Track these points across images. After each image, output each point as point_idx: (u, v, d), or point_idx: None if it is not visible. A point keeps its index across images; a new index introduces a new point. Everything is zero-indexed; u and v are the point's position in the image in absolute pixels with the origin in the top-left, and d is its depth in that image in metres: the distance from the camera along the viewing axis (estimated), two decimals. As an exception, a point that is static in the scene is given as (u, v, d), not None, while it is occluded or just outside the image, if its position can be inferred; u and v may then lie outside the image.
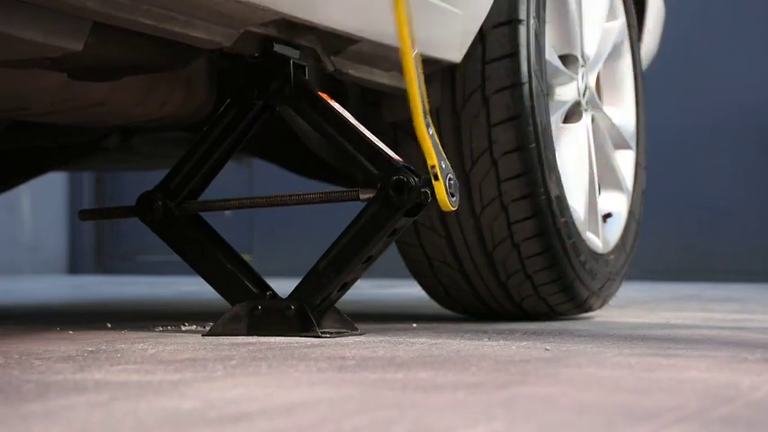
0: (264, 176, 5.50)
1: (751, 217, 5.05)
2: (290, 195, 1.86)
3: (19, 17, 1.51)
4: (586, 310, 2.43)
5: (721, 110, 5.11)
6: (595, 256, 2.36)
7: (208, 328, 1.89)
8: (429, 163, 1.74)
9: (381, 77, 2.09)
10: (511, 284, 2.28)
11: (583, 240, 2.29)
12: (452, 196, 1.76)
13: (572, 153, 2.34)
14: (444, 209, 1.76)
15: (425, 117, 1.74)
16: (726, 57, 5.12)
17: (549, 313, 2.38)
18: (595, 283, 2.36)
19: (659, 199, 4.88)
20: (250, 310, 1.82)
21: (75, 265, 6.45)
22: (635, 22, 2.70)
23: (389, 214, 1.77)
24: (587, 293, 2.34)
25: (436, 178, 1.74)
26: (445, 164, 1.76)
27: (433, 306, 2.81)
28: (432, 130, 1.75)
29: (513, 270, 2.25)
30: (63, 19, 1.56)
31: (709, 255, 5.10)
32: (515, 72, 2.15)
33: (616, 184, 2.56)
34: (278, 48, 1.84)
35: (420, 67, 1.74)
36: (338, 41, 1.91)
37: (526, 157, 2.15)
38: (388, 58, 2.04)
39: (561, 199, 2.21)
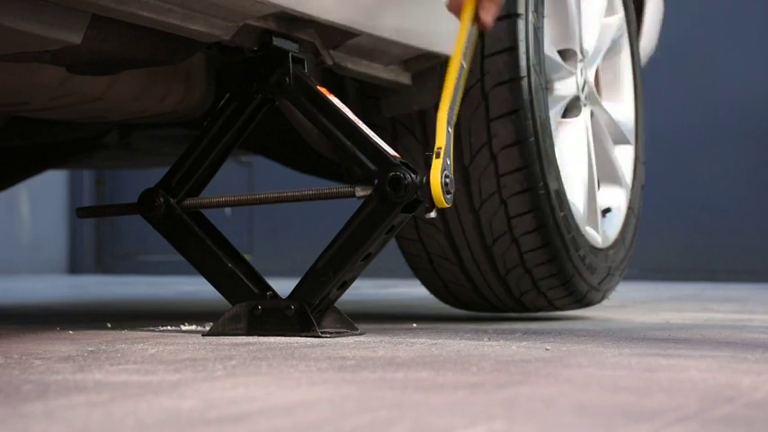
0: (264, 176, 5.50)
1: (751, 217, 5.05)
2: (286, 193, 1.86)
3: (17, 9, 1.51)
4: (586, 305, 2.43)
5: (721, 109, 5.11)
6: (595, 250, 2.36)
7: (208, 328, 1.89)
8: (437, 144, 1.76)
9: (380, 72, 2.09)
10: (510, 279, 2.28)
11: (582, 235, 2.29)
12: (447, 194, 1.77)
13: (571, 148, 2.34)
14: (439, 206, 1.76)
15: (452, 107, 1.79)
16: (725, 56, 5.12)
17: (549, 308, 2.38)
18: (595, 278, 2.36)
19: (659, 199, 4.88)
20: (250, 310, 1.82)
21: (75, 265, 6.45)
22: (634, 17, 2.70)
23: (387, 211, 1.77)
24: (587, 288, 2.34)
25: (437, 156, 1.75)
26: (449, 157, 1.78)
27: (433, 306, 2.80)
28: (450, 128, 1.78)
29: (512, 264, 2.25)
30: (61, 11, 1.56)
31: (709, 255, 5.10)
32: (514, 66, 2.15)
33: (615, 179, 2.56)
34: (277, 41, 1.84)
35: (465, 75, 1.84)
36: (337, 35, 1.91)
37: (525, 152, 2.15)
38: (387, 52, 2.03)
39: (560, 193, 2.21)
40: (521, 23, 2.16)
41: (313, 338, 1.74)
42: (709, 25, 5.17)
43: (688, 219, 5.13)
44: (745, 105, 5.07)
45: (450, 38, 2.10)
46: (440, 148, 1.76)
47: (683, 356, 1.50)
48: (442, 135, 1.77)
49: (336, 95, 1.88)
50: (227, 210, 5.68)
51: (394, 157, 1.79)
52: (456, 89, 1.81)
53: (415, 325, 2.13)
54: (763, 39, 5.10)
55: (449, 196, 1.77)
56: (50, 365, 1.35)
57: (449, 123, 1.79)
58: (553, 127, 2.25)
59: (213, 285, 1.89)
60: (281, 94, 1.87)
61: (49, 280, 5.44)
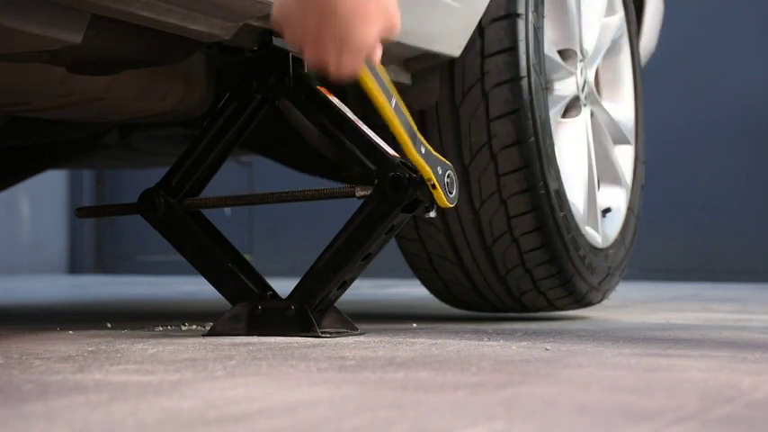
0: (264, 176, 5.50)
1: (751, 217, 5.05)
2: (286, 192, 1.86)
3: (17, 9, 1.51)
4: (586, 305, 2.43)
5: (721, 109, 5.11)
6: (595, 250, 2.36)
7: (208, 328, 1.89)
8: (425, 177, 1.76)
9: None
10: (510, 279, 2.28)
11: (582, 235, 2.29)
12: (450, 193, 1.77)
13: (571, 148, 2.34)
14: (443, 206, 1.77)
15: (415, 141, 1.76)
16: (725, 56, 5.12)
17: (549, 308, 2.38)
18: (595, 278, 2.36)
19: (659, 199, 4.88)
20: (250, 310, 1.82)
21: (75, 265, 6.44)
22: (634, 17, 2.70)
23: (387, 211, 1.77)
24: (587, 288, 2.34)
25: (434, 187, 1.76)
26: (441, 167, 1.77)
27: (432, 306, 2.81)
28: (423, 147, 1.77)
29: (512, 264, 2.25)
30: (61, 11, 1.56)
31: (709, 255, 5.10)
32: (514, 66, 2.15)
33: (615, 179, 2.56)
34: (277, 41, 1.84)
35: (401, 103, 1.77)
36: (337, 34, 1.90)
37: (525, 152, 2.15)
38: (386, 51, 2.03)
39: (560, 193, 2.21)
40: (521, 23, 2.16)
41: (313, 338, 1.74)
42: (709, 25, 5.17)
43: (688, 219, 5.13)
44: (745, 105, 5.07)
45: (451, 38, 2.10)
46: (430, 179, 1.76)
47: (683, 356, 1.50)
48: (425, 168, 1.76)
49: (336, 95, 1.88)
50: (227, 210, 5.68)
51: (394, 157, 1.79)
52: (405, 123, 1.77)
53: (415, 325, 2.14)
54: (763, 39, 5.10)
55: (452, 195, 1.78)
56: (50, 365, 1.35)
57: (420, 147, 1.77)
58: (553, 127, 2.26)
59: (213, 285, 1.89)
60: (280, 94, 1.87)
61: (49, 280, 5.44)
